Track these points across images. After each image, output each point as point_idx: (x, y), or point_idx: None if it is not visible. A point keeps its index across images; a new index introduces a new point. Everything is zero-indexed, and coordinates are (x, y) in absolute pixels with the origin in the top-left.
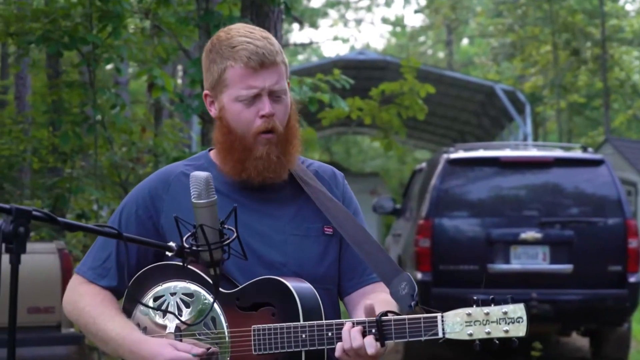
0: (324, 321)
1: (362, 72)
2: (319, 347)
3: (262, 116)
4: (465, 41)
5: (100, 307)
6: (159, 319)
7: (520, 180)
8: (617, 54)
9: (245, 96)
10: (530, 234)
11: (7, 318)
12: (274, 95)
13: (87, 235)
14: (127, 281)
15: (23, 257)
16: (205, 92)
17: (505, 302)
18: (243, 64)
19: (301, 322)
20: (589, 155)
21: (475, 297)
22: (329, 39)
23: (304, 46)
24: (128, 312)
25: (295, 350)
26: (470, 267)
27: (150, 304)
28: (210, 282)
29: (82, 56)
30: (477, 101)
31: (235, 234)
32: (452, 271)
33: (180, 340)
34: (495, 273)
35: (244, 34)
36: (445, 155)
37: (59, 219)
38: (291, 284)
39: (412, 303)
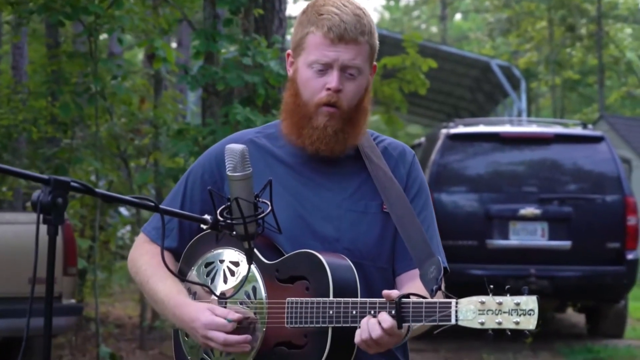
0: (350, 299)
1: None
2: (344, 325)
3: (328, 89)
4: (458, 16)
5: (155, 268)
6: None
7: (520, 156)
8: (612, 31)
9: (316, 63)
10: (529, 210)
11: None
12: (347, 72)
13: (84, 206)
14: (187, 244)
15: (23, 227)
16: (288, 51)
17: (520, 293)
18: (323, 33)
19: (331, 298)
20: (588, 132)
21: (491, 286)
22: None
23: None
24: (183, 274)
25: (323, 325)
26: (468, 242)
27: (202, 269)
28: (256, 251)
29: (83, 26)
30: (472, 76)
31: (270, 208)
32: (451, 246)
33: (225, 307)
34: (494, 249)
35: (337, 5)
36: (445, 130)
37: (97, 190)
38: (327, 259)
39: (435, 287)
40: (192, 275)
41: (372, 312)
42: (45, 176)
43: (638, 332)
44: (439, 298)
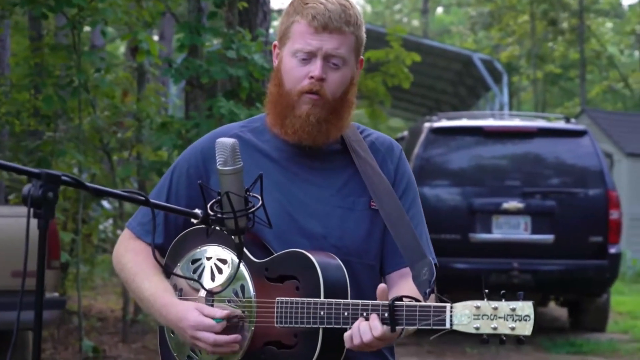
0: (342, 300)
1: None
2: (335, 326)
3: (311, 77)
4: (440, 10)
5: (141, 265)
6: (194, 283)
7: (503, 150)
8: (593, 25)
9: (300, 52)
10: (512, 204)
11: None
12: (331, 62)
13: (67, 199)
14: (172, 240)
15: (6, 220)
16: (275, 42)
17: (515, 299)
18: (307, 21)
19: (322, 298)
20: (571, 125)
21: (486, 291)
22: None
23: (280, 12)
24: (169, 269)
25: (314, 326)
26: (452, 236)
27: (188, 265)
28: (245, 250)
29: (66, 19)
30: (454, 70)
31: (260, 202)
32: (434, 240)
33: (212, 305)
34: (477, 242)
35: None
36: (428, 124)
37: (88, 184)
38: (317, 258)
39: (427, 290)
40: (177, 272)
41: (365, 314)
42: (36, 170)
43: (620, 325)
44: (432, 301)
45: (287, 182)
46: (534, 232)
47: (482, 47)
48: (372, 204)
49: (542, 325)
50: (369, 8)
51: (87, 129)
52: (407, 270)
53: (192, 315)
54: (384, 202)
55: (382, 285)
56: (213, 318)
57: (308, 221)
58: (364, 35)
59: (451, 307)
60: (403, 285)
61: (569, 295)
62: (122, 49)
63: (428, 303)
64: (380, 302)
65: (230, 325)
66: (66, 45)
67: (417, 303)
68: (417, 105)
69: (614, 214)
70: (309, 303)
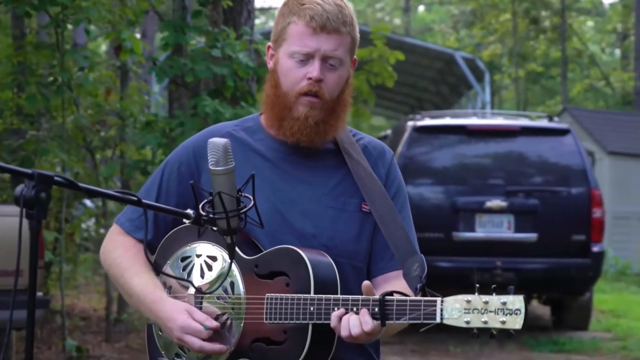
0: (332, 296)
1: None
2: (325, 322)
3: (309, 79)
4: (421, 8)
5: (130, 261)
6: (184, 281)
7: (486, 149)
8: (575, 24)
9: (298, 53)
10: (496, 203)
11: None
12: (328, 63)
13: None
14: (162, 237)
15: None
16: (269, 44)
17: (506, 293)
18: (304, 22)
19: (311, 294)
20: (555, 124)
21: (477, 285)
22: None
23: (262, 11)
24: (159, 267)
25: (303, 322)
26: (435, 234)
27: (177, 263)
28: (235, 247)
29: (49, 17)
30: (436, 68)
31: (252, 202)
32: (417, 238)
33: (201, 302)
34: (460, 241)
35: None
36: (411, 123)
37: (80, 184)
38: (307, 255)
39: (419, 285)
40: (167, 269)
41: (355, 309)
42: (29, 170)
43: (603, 324)
44: (424, 296)
45: (279, 181)
46: (517, 230)
47: (464, 46)
48: (363, 206)
49: (526, 324)
50: (350, 6)
51: (71, 128)
52: (393, 274)
53: (182, 317)
54: (377, 202)
55: (366, 282)
56: (202, 325)
57: (299, 220)
58: (358, 35)
59: (442, 301)
60: (393, 283)
61: (552, 293)
62: (103, 47)
63: (419, 297)
64: (371, 297)
65: (220, 330)
66: (49, 43)
67: (408, 297)
68: (399, 104)
69: (596, 213)
70: (298, 299)
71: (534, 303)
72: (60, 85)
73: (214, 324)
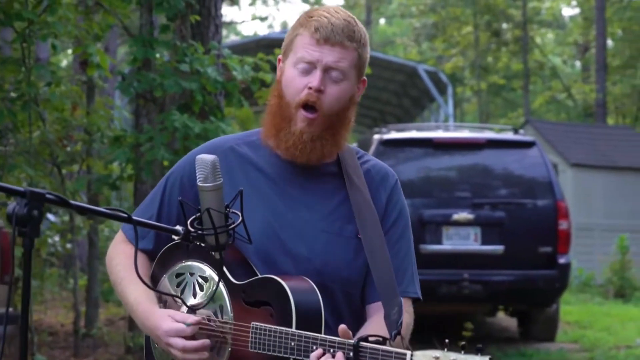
0: (311, 334)
1: None
2: (304, 359)
3: (310, 88)
4: (382, 21)
5: (128, 270)
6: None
7: (452, 162)
8: (537, 36)
9: (301, 62)
10: (462, 215)
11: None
12: (331, 75)
13: None
14: (163, 246)
15: None
16: (279, 56)
17: (475, 352)
18: (310, 33)
19: (293, 328)
20: (520, 137)
21: (446, 340)
22: (247, 18)
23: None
24: (156, 277)
25: (285, 356)
26: None
27: (173, 279)
28: (225, 270)
29: (15, 32)
30: (399, 81)
31: (240, 218)
32: None
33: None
34: (427, 253)
35: (328, 11)
36: (378, 136)
37: (72, 202)
38: (291, 287)
39: (394, 332)
40: (164, 282)
41: (332, 350)
42: (21, 188)
43: (569, 335)
44: (398, 344)
45: (277, 200)
46: (484, 242)
47: (426, 58)
48: (359, 233)
49: (492, 335)
50: (362, 26)
51: (37, 143)
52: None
53: (165, 322)
54: (367, 234)
55: (342, 326)
56: (184, 323)
57: (294, 242)
58: (368, 56)
59: (412, 355)
60: (377, 320)
61: (519, 305)
62: (65, 61)
63: (390, 348)
64: (347, 341)
65: (210, 345)
66: (15, 58)
67: (380, 347)
68: (361, 117)
69: (563, 225)
70: (281, 332)
71: (501, 315)
72: (27, 101)
73: (195, 318)
